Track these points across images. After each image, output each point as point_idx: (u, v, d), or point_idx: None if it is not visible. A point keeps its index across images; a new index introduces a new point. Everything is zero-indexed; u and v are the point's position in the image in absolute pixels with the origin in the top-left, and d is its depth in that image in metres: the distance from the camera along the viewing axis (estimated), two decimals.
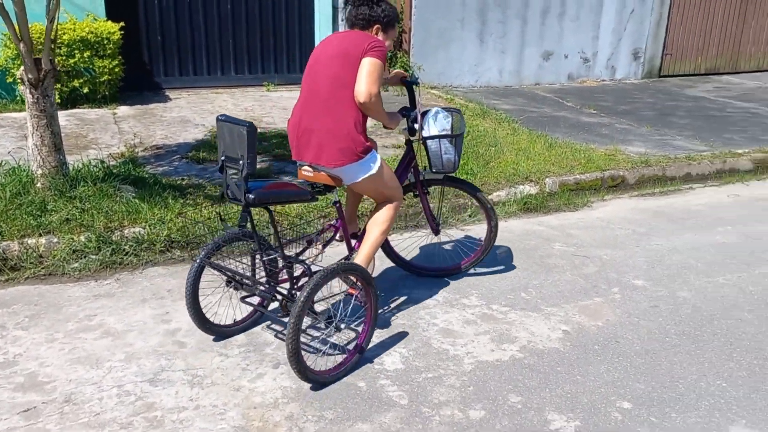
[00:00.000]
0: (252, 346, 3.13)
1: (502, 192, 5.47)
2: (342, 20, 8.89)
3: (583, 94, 9.57)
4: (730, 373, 3.02)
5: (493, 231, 3.82)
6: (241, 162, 2.70)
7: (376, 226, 3.21)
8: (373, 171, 3.07)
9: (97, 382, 2.81)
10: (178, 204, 4.58)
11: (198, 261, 2.96)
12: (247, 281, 2.97)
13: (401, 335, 3.28)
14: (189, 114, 7.37)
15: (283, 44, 8.95)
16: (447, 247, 4.38)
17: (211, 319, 3.16)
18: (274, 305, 3.25)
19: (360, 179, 3.06)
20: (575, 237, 4.69)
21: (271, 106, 7.93)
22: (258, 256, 3.01)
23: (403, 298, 3.67)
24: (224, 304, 3.32)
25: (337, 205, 3.22)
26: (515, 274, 4.03)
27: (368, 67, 2.90)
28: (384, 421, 2.64)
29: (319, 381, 2.82)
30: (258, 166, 5.59)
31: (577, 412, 2.71)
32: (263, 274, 3.02)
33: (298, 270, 3.00)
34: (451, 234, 4.60)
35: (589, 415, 2.69)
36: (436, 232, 3.82)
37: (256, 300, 3.23)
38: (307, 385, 2.84)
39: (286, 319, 2.98)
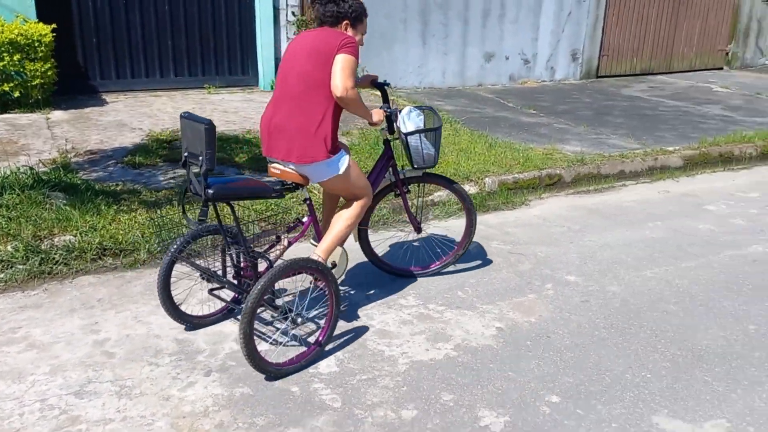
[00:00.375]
0: (183, 354, 3.08)
1: (443, 192, 5.53)
2: (285, 21, 8.85)
3: (523, 95, 9.75)
4: (655, 364, 3.12)
5: (473, 225, 3.94)
6: (200, 158, 2.76)
7: (342, 220, 3.28)
8: (340, 172, 3.13)
9: (19, 397, 2.72)
10: (111, 210, 4.47)
11: (169, 255, 3.07)
12: (215, 275, 3.06)
13: (337, 337, 3.27)
14: (126, 118, 7.20)
15: (223, 46, 8.83)
16: (425, 245, 4.40)
17: (185, 311, 3.27)
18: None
19: (327, 178, 3.13)
20: (512, 235, 4.78)
21: (212, 109, 7.82)
22: (225, 251, 3.12)
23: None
24: (198, 296, 3.46)
25: (308, 202, 3.28)
26: (453, 272, 4.08)
27: (341, 63, 2.96)
28: (316, 425, 2.63)
29: (273, 372, 2.88)
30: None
31: (507, 407, 2.76)
32: (230, 268, 3.12)
33: (262, 265, 3.06)
34: (429, 232, 4.59)
35: (519, 410, 2.75)
36: (418, 230, 3.89)
37: (225, 293, 3.30)
38: (238, 393, 2.81)
39: None
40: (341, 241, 3.30)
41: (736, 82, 11.21)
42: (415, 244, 4.42)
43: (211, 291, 3.23)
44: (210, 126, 2.72)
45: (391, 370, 3.01)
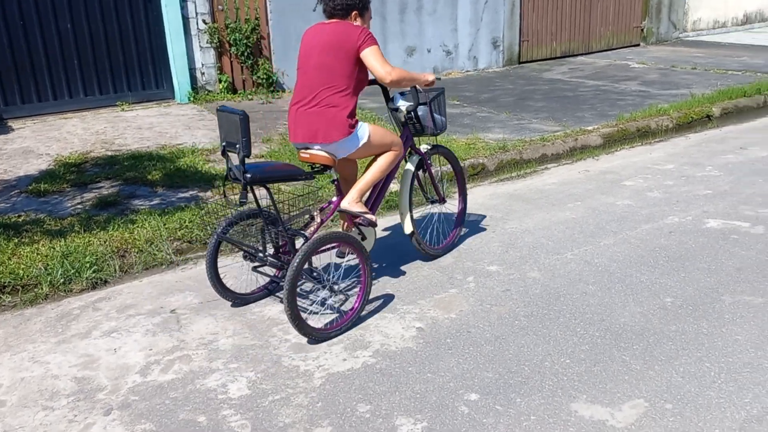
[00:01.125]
0: (82, 394, 2.88)
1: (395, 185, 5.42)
2: (197, 30, 8.58)
3: (447, 86, 9.74)
4: (573, 348, 3.09)
5: (463, 192, 4.40)
6: (238, 146, 3.08)
7: (375, 166, 3.58)
8: (365, 139, 3.46)
9: None
10: (11, 244, 4.20)
11: (215, 237, 3.40)
12: (258, 253, 3.39)
13: (250, 357, 3.13)
14: (33, 144, 6.84)
15: (134, 60, 8.50)
16: (438, 221, 4.63)
17: (231, 288, 3.58)
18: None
19: (356, 149, 3.45)
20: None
21: (124, 126, 7.51)
22: (265, 231, 3.44)
23: (253, 317, 3.52)
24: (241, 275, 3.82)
25: (336, 182, 3.56)
26: (376, 275, 3.98)
27: (373, 56, 3.33)
28: None
29: (317, 336, 3.20)
30: (106, 192, 5.27)
31: (425, 412, 2.67)
32: (270, 247, 3.45)
33: (299, 242, 3.35)
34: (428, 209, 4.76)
35: (437, 413, 2.66)
36: (443, 200, 4.26)
37: (269, 271, 3.64)
38: (140, 429, 2.64)
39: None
40: (371, 185, 3.60)
41: (652, 57, 11.50)
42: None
43: (254, 269, 3.57)
44: (244, 116, 3.06)
45: (306, 386, 2.88)
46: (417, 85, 3.67)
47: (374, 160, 3.62)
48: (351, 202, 3.50)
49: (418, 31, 10.37)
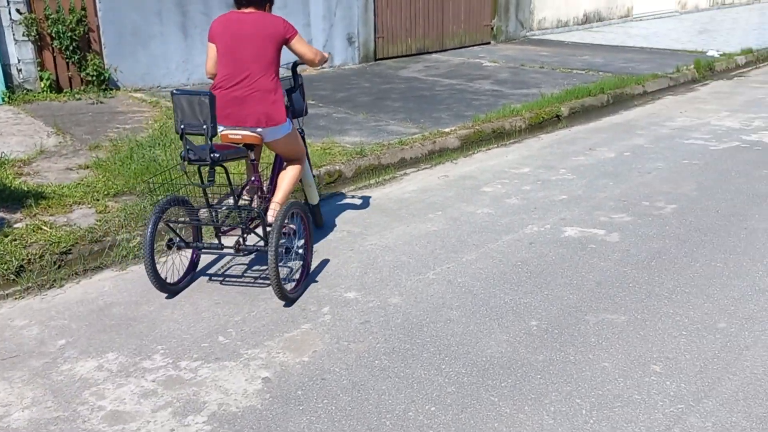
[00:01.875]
0: None
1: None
2: (9, 20, 7.45)
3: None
4: (439, 391, 2.78)
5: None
6: (204, 127, 3.28)
7: (287, 177, 3.92)
8: (290, 130, 3.83)
9: None
10: None
11: (152, 224, 3.41)
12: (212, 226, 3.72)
13: None
14: None
15: None
16: None
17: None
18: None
19: (281, 136, 3.76)
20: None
21: None
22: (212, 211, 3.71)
23: (60, 378, 2.88)
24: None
25: (254, 162, 3.84)
26: (215, 311, 3.46)
27: (301, 44, 3.74)
28: None
29: (292, 299, 3.53)
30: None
31: None
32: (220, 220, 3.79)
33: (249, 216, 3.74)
34: None
35: None
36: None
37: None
38: None
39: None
40: (289, 194, 3.94)
41: (503, 55, 11.73)
42: None
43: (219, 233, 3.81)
44: (212, 96, 3.29)
45: None
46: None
47: (283, 172, 3.95)
48: (280, 202, 3.81)
49: None
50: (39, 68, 7.81)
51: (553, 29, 14.45)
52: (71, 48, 7.91)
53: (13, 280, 3.81)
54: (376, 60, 11.21)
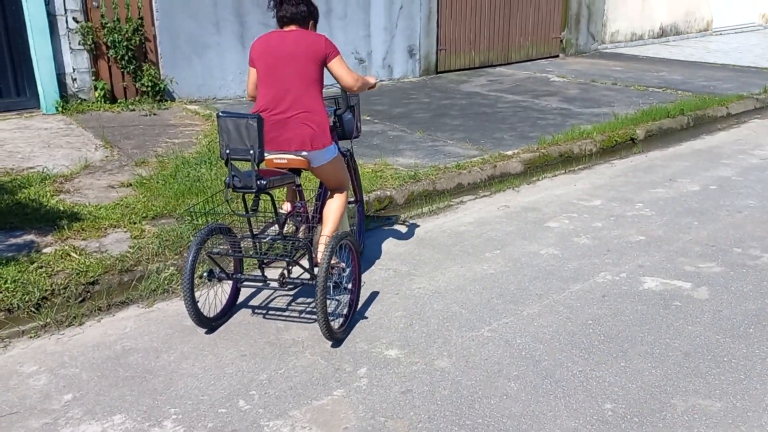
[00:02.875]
0: None
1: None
2: (66, 29, 7.37)
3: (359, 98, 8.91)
4: None
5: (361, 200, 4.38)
6: (251, 152, 3.12)
7: (333, 210, 3.68)
8: (336, 154, 3.61)
9: None
10: None
11: (192, 255, 3.18)
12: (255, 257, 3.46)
13: None
14: None
15: None
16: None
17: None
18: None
19: (327, 161, 3.53)
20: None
21: None
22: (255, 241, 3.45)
23: None
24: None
25: (299, 188, 3.61)
26: (239, 366, 3.08)
27: (341, 65, 3.50)
28: None
29: (339, 338, 3.27)
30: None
31: None
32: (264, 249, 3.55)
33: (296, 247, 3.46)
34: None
35: None
36: (359, 201, 4.32)
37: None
38: None
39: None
40: (337, 226, 3.68)
41: (572, 69, 11.09)
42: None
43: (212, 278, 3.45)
44: (260, 120, 3.11)
45: None
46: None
47: (327, 204, 3.71)
48: (329, 236, 3.56)
49: (327, 36, 9.47)
50: (94, 78, 7.72)
51: (626, 43, 13.66)
52: (127, 58, 7.79)
53: (33, 313, 3.55)
54: (437, 73, 10.76)
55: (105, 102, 7.78)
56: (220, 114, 3.14)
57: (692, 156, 6.58)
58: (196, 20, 8.27)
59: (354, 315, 3.46)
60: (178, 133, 6.89)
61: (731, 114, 8.37)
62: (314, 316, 3.46)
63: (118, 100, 7.91)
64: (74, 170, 5.62)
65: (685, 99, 8.50)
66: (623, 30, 13.62)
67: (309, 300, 3.72)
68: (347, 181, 3.79)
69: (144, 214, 4.70)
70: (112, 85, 7.89)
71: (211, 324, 3.42)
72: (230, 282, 3.56)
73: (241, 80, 8.81)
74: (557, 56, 12.44)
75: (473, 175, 5.86)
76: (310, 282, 3.29)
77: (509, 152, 6.40)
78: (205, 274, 3.39)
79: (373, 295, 3.78)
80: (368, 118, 7.68)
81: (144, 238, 4.35)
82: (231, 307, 3.62)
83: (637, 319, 3.47)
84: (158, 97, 8.03)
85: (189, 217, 4.41)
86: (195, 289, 3.26)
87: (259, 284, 3.39)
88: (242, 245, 3.57)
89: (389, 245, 4.52)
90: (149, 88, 7.94)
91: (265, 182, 3.15)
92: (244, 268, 3.75)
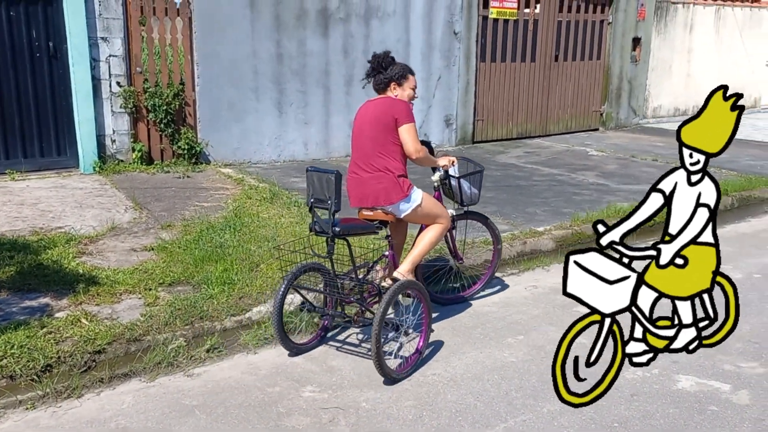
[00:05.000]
0: None
1: (264, 307, 4.39)
2: (109, 92, 7.63)
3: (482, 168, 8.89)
4: None
5: (498, 254, 4.84)
6: (329, 202, 3.59)
7: (425, 239, 4.02)
8: (418, 202, 3.92)
9: None
10: None
11: (284, 286, 3.68)
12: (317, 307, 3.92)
13: None
14: None
15: (32, 124, 7.45)
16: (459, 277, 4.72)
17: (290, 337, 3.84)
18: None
19: (409, 210, 3.90)
20: (336, 372, 3.67)
21: (3, 201, 6.38)
22: (327, 284, 3.83)
23: None
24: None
25: (389, 238, 4.03)
26: None
27: (408, 132, 3.82)
28: None
29: (395, 378, 3.50)
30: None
31: None
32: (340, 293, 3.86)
33: (368, 289, 3.86)
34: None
35: None
36: (460, 259, 4.66)
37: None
38: None
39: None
40: (422, 258, 4.06)
41: (612, 144, 10.91)
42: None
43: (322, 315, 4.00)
44: (338, 175, 3.57)
45: None
46: (452, 162, 4.24)
47: (422, 232, 4.06)
48: (404, 273, 3.91)
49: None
50: (132, 140, 7.89)
51: (669, 118, 13.45)
52: (166, 121, 7.97)
53: (34, 382, 3.45)
54: (473, 143, 10.71)
55: (142, 163, 7.92)
56: (308, 168, 3.73)
57: (736, 240, 6.26)
58: (236, 87, 8.46)
59: (417, 362, 3.68)
60: (208, 196, 6.92)
61: None
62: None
63: (155, 162, 8.05)
64: (100, 231, 5.65)
65: (729, 179, 8.20)
66: (666, 105, 13.44)
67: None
68: (441, 217, 4.05)
69: (161, 280, 4.65)
70: (149, 147, 8.05)
71: (298, 348, 3.86)
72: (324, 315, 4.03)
73: (276, 145, 8.91)
74: (597, 129, 12.29)
75: (503, 251, 5.66)
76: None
77: (541, 228, 6.20)
78: (299, 305, 4.03)
79: (384, 381, 3.57)
80: None
81: (157, 305, 4.27)
82: (320, 337, 4.04)
83: (668, 424, 3.17)
84: (194, 160, 8.15)
85: (278, 257, 4.56)
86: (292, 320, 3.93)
87: (338, 319, 4.02)
88: (325, 285, 3.91)
89: None
90: (185, 151, 8.07)
91: (338, 229, 3.63)
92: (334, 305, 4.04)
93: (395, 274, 3.87)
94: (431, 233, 4.01)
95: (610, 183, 8.07)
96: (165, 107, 7.91)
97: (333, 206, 3.59)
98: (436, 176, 4.28)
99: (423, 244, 4.00)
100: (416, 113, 10.22)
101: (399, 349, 3.75)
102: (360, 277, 3.86)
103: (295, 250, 3.93)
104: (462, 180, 4.30)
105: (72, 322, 3.98)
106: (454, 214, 4.42)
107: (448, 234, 4.45)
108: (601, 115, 12.32)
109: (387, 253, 4.03)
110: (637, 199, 6.99)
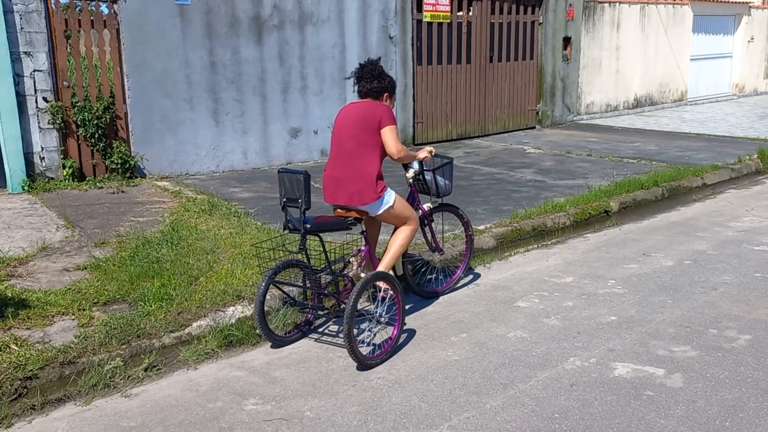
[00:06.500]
0: None
1: (204, 321, 4.29)
2: (35, 108, 7.34)
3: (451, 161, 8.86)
4: None
5: (470, 239, 5.11)
6: (300, 201, 3.80)
7: (396, 242, 4.24)
8: (390, 203, 4.11)
9: None
10: None
11: (264, 282, 3.88)
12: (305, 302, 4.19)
13: None
14: None
15: None
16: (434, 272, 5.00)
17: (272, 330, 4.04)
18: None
19: (381, 211, 4.09)
20: (279, 382, 3.62)
21: None
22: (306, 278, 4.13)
23: None
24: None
25: (364, 234, 4.22)
26: None
27: (390, 133, 4.00)
28: None
29: (369, 364, 3.71)
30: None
31: None
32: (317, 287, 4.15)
33: (342, 282, 4.09)
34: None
35: None
36: (440, 251, 4.86)
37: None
38: None
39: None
40: (396, 259, 4.26)
41: (548, 141, 11.17)
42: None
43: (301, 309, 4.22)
44: (306, 175, 3.76)
45: None
46: (431, 152, 4.42)
47: (394, 234, 4.27)
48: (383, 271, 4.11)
49: (303, 112, 9.53)
50: (62, 156, 7.63)
51: (602, 114, 13.88)
52: (97, 135, 7.74)
53: None
54: (415, 145, 10.78)
55: (73, 180, 7.66)
56: (279, 170, 3.93)
57: (667, 229, 6.50)
58: (170, 98, 8.28)
59: (391, 350, 3.89)
60: (144, 210, 6.75)
61: (707, 184, 8.36)
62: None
63: (87, 178, 7.81)
64: (30, 252, 5.43)
65: (659, 170, 8.50)
66: (598, 101, 13.85)
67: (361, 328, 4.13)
68: (411, 219, 4.25)
69: (95, 300, 4.50)
70: (81, 163, 7.80)
71: (280, 341, 4.07)
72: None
73: (214, 155, 8.76)
74: (534, 128, 12.57)
75: (444, 251, 5.70)
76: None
77: (482, 227, 6.28)
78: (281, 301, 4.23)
79: (329, 387, 3.55)
80: None
81: (92, 326, 4.13)
82: (302, 331, 4.23)
83: (606, 411, 3.25)
84: (128, 174, 7.93)
85: (255, 256, 4.73)
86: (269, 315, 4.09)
87: (318, 312, 4.20)
88: (308, 279, 4.14)
89: None
90: (119, 165, 7.85)
91: (309, 226, 3.84)
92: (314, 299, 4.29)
93: (379, 266, 4.13)
94: (402, 236, 4.22)
95: (547, 179, 8.26)
96: (95, 121, 7.68)
97: (303, 204, 3.78)
98: (410, 172, 4.44)
99: (395, 247, 4.20)
100: None
101: (373, 337, 3.98)
102: (336, 271, 4.05)
103: (270, 248, 4.14)
104: (435, 173, 4.50)
105: (0, 349, 3.80)
106: (432, 207, 4.67)
107: (427, 228, 4.71)
108: (537, 113, 12.60)
109: (363, 248, 4.22)
110: (573, 194, 7.23)
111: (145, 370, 3.78)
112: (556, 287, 4.97)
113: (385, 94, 4.17)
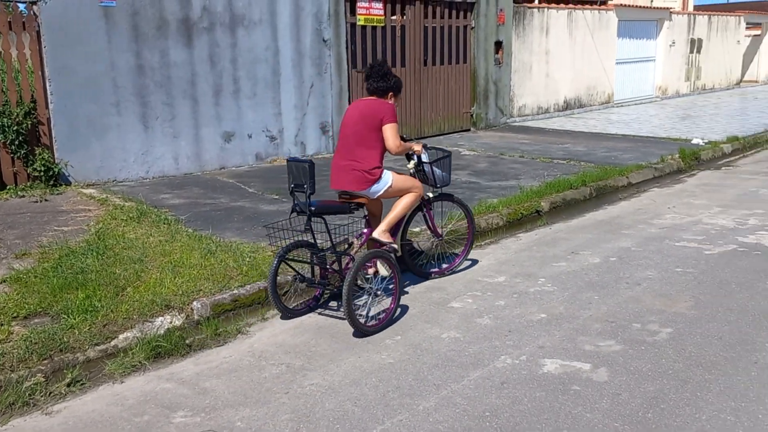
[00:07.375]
0: None
1: (131, 332, 4.16)
2: None
3: (270, 176, 8.77)
4: None
5: (472, 223, 5.50)
6: (305, 186, 4.28)
7: (399, 204, 4.67)
8: (389, 183, 4.59)
9: None
10: None
11: (277, 258, 4.36)
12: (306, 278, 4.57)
13: None
14: None
15: None
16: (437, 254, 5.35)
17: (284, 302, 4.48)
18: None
19: (382, 191, 4.59)
20: (210, 393, 3.54)
21: None
22: (315, 256, 4.56)
23: None
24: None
25: (366, 217, 4.78)
26: None
27: (390, 130, 4.51)
28: None
29: (367, 331, 4.16)
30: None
31: None
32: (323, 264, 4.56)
33: (344, 261, 4.54)
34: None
35: None
36: (438, 236, 5.24)
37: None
38: None
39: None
40: (397, 220, 4.68)
41: (482, 143, 11.36)
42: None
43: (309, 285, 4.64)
44: (311, 164, 4.27)
45: None
46: (423, 149, 4.88)
47: (399, 199, 4.68)
48: (380, 233, 4.59)
49: (236, 116, 9.37)
50: None
51: (533, 116, 14.23)
52: (17, 142, 7.41)
53: None
54: None
55: None
56: (288, 159, 4.41)
57: (594, 227, 6.70)
58: (95, 102, 7.99)
59: (387, 320, 4.28)
60: (68, 219, 6.49)
61: (632, 183, 8.68)
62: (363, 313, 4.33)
63: (7, 187, 7.45)
64: None
65: (587, 170, 8.77)
66: (530, 104, 14.20)
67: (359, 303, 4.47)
68: (413, 187, 4.71)
69: (15, 314, 4.29)
70: (0, 170, 7.43)
71: (291, 312, 4.48)
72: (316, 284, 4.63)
73: (143, 161, 8.51)
74: (468, 130, 12.77)
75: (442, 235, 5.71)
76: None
77: (417, 229, 6.32)
78: (289, 277, 4.62)
79: (261, 396, 3.49)
80: (276, 197, 7.53)
81: (10, 342, 3.94)
82: (312, 304, 4.63)
83: (535, 407, 3.32)
84: (52, 182, 7.61)
85: (267, 236, 4.83)
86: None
87: (322, 287, 4.59)
88: (312, 257, 4.53)
89: (285, 335, 4.27)
90: (42, 173, 7.52)
91: (314, 208, 4.27)
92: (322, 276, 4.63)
93: (374, 234, 4.57)
94: (406, 199, 4.66)
95: (481, 181, 8.40)
96: (15, 127, 7.34)
97: (308, 189, 4.21)
98: (411, 164, 4.93)
99: (399, 208, 4.63)
100: (291, 122, 10.21)
101: (371, 309, 4.36)
102: (339, 250, 4.45)
103: (282, 228, 4.41)
104: (433, 165, 4.92)
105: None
106: (431, 196, 5.08)
107: (426, 215, 5.08)
108: (472, 116, 12.81)
109: (365, 230, 4.70)
110: (506, 195, 7.37)
111: (68, 385, 3.63)
112: (489, 287, 5.05)
113: (390, 93, 4.67)
